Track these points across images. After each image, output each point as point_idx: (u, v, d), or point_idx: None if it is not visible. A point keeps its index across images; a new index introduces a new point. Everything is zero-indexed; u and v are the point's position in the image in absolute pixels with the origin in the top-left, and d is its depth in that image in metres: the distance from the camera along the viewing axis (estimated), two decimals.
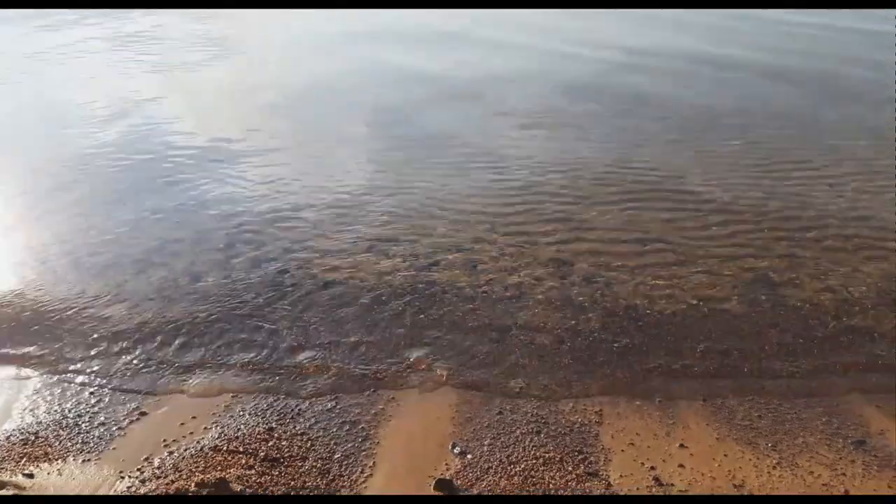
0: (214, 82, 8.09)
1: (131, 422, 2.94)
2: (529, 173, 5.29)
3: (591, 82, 7.74)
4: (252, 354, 3.34)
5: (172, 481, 2.59)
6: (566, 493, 2.53)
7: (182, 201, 4.89)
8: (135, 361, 3.33)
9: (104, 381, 3.21)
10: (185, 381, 3.20)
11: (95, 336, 3.51)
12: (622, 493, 2.53)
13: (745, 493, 2.52)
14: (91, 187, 5.19)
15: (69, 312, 3.68)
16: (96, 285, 3.90)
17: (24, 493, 2.57)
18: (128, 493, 2.55)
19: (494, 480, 2.60)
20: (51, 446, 2.81)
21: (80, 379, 3.23)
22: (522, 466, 2.65)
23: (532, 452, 2.72)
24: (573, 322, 3.53)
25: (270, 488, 2.56)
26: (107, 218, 4.67)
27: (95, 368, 3.29)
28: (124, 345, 3.44)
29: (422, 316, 3.59)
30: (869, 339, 3.38)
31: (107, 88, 7.79)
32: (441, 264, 4.06)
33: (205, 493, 2.53)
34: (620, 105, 6.92)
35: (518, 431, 2.84)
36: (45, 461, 2.74)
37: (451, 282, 3.89)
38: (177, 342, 3.44)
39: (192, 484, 2.55)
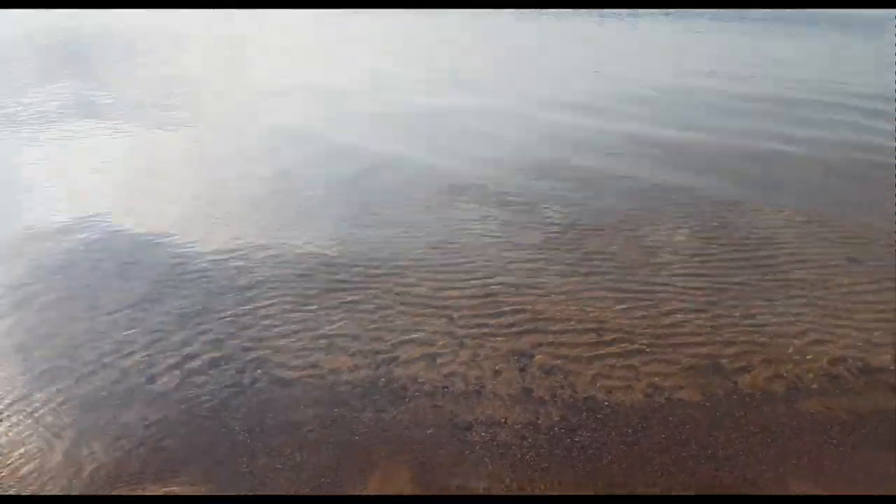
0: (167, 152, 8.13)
1: None
2: (485, 262, 5.41)
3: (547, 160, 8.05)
4: (209, 459, 3.26)
5: None
6: None
7: (136, 297, 4.82)
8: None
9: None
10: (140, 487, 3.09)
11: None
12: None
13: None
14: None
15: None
16: (41, 395, 3.78)
17: None
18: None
19: None
20: None
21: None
22: None
23: None
24: (533, 417, 3.56)
25: None
26: (66, 318, 4.56)
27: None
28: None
29: (382, 414, 3.58)
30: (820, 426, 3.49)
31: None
32: (401, 359, 4.07)
33: None
34: (575, 187, 7.19)
35: None
36: None
37: (411, 377, 3.90)
38: (131, 446, 3.33)
39: None
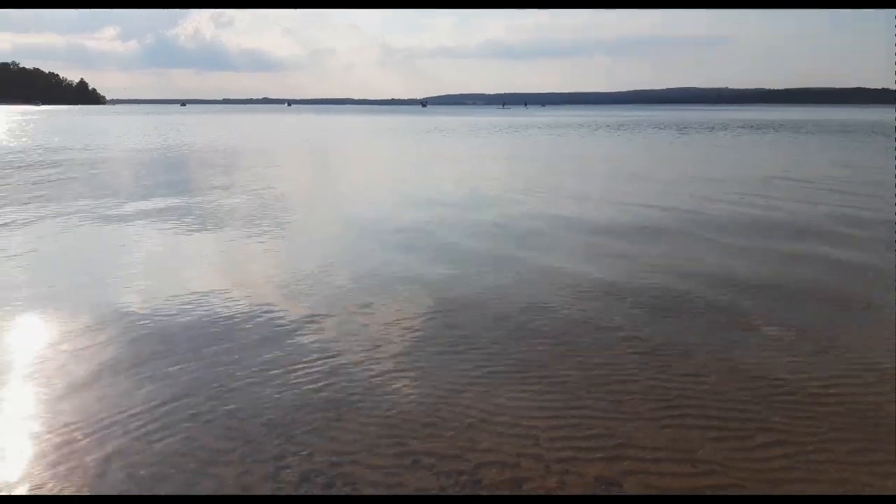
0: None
1: None
2: (570, 386, 5.38)
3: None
4: None
5: None
6: None
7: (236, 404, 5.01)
8: None
9: None
10: None
11: None
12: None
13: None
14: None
15: None
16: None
17: None
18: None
19: None
20: None
21: None
22: None
23: None
24: None
25: None
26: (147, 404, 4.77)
27: None
28: None
29: None
30: None
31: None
32: (484, 481, 4.04)
33: None
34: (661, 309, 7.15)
35: None
36: None
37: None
38: None
39: None
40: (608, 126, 67.79)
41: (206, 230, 12.14)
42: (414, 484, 4.00)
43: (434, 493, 3.92)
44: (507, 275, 8.89)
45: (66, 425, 4.66)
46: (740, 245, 10.80)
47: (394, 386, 5.36)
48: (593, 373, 5.62)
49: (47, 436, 4.53)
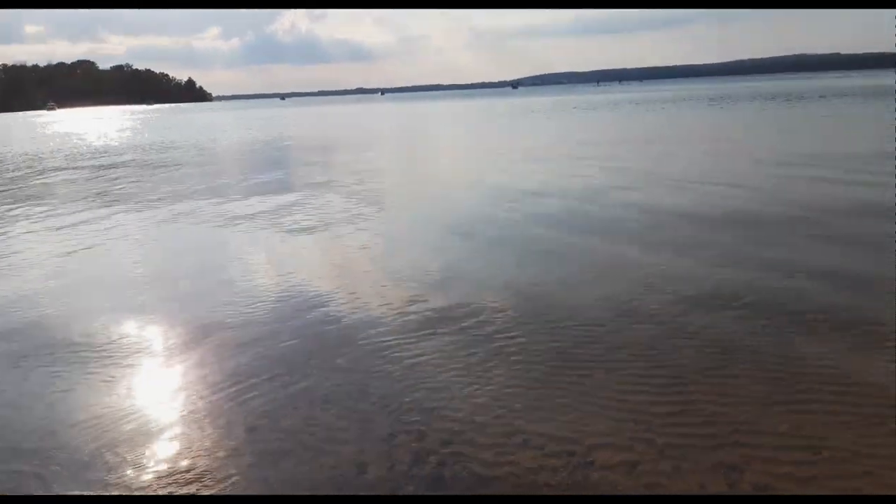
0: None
1: None
2: (678, 371, 5.24)
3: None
4: None
5: None
6: None
7: (344, 388, 5.24)
8: None
9: None
10: None
11: None
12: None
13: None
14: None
15: None
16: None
17: None
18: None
19: None
20: None
21: None
22: None
23: None
24: None
25: None
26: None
27: None
28: None
29: None
30: None
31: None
32: (597, 463, 4.02)
33: None
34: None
35: None
36: None
37: (608, 482, 3.83)
38: None
39: None
40: (711, 99, 64.57)
41: (306, 232, 12.62)
42: (525, 464, 4.04)
43: (545, 473, 3.94)
44: (625, 276, 8.73)
45: (208, 401, 5.05)
46: (860, 234, 10.08)
47: (498, 371, 5.42)
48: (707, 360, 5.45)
49: (191, 414, 4.92)
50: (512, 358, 5.60)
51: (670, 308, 6.61)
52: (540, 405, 4.77)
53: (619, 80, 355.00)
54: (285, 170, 22.99)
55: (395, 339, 6.11)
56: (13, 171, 25.66)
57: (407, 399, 4.95)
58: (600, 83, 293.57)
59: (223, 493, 3.93)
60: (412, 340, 6.06)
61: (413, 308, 6.96)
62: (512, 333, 6.15)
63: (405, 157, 27.67)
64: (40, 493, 3.98)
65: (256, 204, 14.51)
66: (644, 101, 68.64)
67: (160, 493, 3.94)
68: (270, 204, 14.42)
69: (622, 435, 4.32)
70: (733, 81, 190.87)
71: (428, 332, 6.26)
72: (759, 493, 3.65)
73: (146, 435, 4.61)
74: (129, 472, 4.16)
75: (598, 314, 6.55)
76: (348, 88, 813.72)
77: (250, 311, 7.13)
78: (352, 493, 3.88)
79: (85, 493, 3.40)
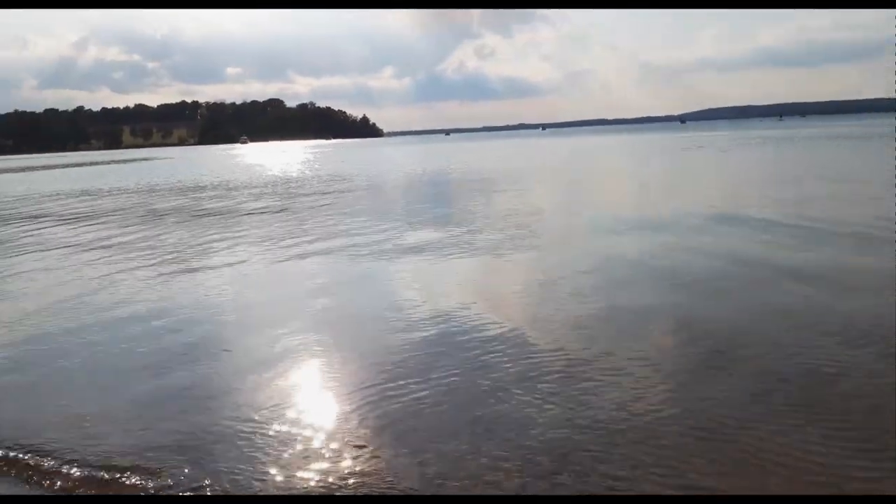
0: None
1: None
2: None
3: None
4: None
5: None
6: None
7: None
8: None
9: None
10: None
11: None
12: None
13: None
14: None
15: None
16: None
17: None
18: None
19: None
20: None
21: None
22: None
23: None
24: None
25: None
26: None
27: None
28: None
29: None
30: None
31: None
32: None
33: None
34: None
35: None
36: None
37: None
38: None
39: None
40: None
41: (464, 255, 12.91)
42: None
43: None
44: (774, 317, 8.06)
45: (378, 425, 5.35)
46: None
47: (667, 412, 5.20)
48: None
49: (358, 436, 5.23)
50: (677, 404, 5.34)
51: None
52: (712, 457, 4.50)
53: (802, 114, 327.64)
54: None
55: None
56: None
57: (571, 439, 4.90)
58: (783, 117, 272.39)
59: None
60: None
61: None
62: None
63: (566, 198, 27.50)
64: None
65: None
66: (852, 137, 62.38)
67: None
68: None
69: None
70: None
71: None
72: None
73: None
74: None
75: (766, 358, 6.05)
76: (510, 123, 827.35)
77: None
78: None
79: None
